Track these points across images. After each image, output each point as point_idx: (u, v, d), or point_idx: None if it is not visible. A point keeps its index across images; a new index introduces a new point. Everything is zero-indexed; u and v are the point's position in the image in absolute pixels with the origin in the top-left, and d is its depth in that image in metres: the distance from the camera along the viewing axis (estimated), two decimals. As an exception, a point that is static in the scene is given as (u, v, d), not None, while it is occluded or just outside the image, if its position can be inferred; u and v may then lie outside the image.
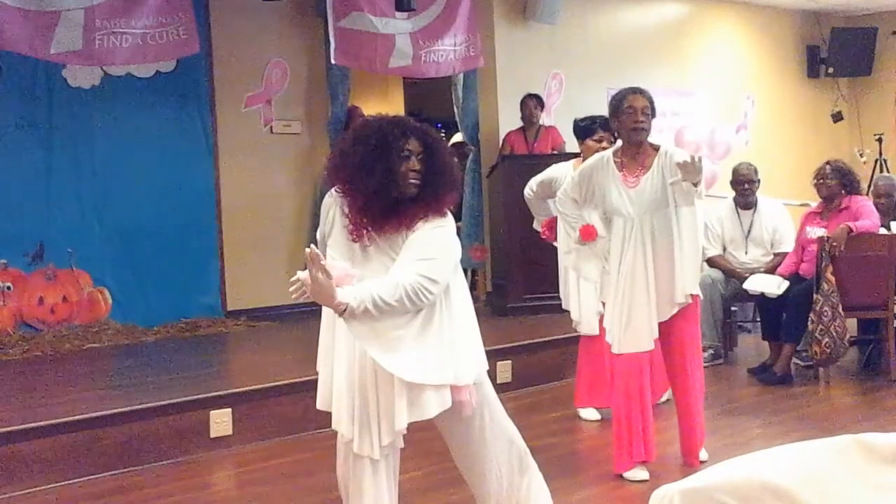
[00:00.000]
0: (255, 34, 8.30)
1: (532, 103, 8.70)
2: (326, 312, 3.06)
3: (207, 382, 5.59)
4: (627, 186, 4.28)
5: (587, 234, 4.40)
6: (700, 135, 10.62)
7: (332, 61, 7.98)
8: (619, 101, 4.33)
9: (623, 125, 4.30)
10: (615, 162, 4.34)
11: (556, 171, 5.56)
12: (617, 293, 4.28)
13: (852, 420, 5.32)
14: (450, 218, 3.05)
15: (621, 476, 4.37)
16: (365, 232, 2.96)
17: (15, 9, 6.45)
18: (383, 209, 2.92)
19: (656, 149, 4.35)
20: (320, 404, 3.11)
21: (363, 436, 2.96)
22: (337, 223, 3.04)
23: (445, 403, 2.94)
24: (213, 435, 5.06)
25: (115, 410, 4.89)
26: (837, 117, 11.77)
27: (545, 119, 8.92)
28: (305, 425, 5.26)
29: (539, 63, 9.25)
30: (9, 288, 7.14)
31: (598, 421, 5.46)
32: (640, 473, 4.35)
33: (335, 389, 3.03)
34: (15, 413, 4.91)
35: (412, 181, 2.92)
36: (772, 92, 11.43)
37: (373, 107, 9.18)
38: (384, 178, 2.89)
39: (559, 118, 9.17)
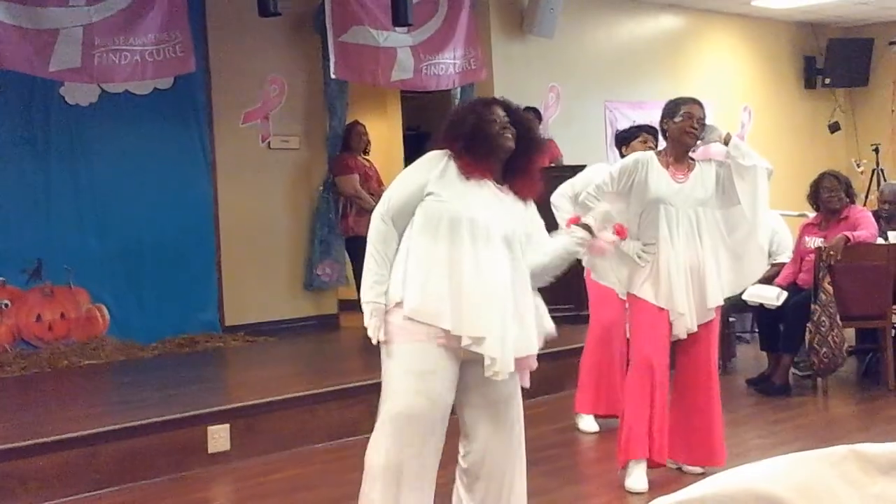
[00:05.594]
0: (253, 50, 8.31)
1: (529, 117, 8.71)
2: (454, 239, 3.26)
3: (205, 398, 5.57)
4: (676, 181, 4.42)
5: (620, 232, 4.42)
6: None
7: (333, 76, 8.00)
8: (677, 106, 4.49)
9: (676, 127, 4.45)
10: (660, 160, 4.47)
11: (589, 173, 5.58)
12: (667, 280, 4.32)
13: (850, 430, 5.32)
14: None
15: (623, 486, 4.36)
16: (477, 171, 3.29)
17: (13, 27, 6.46)
18: (487, 151, 3.32)
19: (692, 159, 4.54)
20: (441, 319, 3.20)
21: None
22: (451, 171, 3.32)
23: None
24: (210, 450, 5.04)
25: (113, 427, 4.88)
26: (834, 128, 11.80)
27: (542, 132, 8.93)
28: (304, 440, 5.26)
29: (536, 76, 9.27)
30: (6, 305, 7.13)
31: (596, 433, 5.45)
32: (640, 480, 4.34)
33: (483, 309, 3.19)
34: (12, 430, 4.90)
35: (507, 135, 3.34)
36: (769, 103, 11.45)
37: (371, 121, 9.18)
38: (475, 125, 3.32)
39: (557, 131, 9.19)
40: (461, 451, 3.40)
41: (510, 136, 3.35)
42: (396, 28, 8.04)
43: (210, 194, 8.09)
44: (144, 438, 4.89)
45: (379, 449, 3.24)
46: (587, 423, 5.53)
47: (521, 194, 3.40)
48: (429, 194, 3.28)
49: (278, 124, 8.52)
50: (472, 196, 3.27)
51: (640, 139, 5.44)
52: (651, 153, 4.56)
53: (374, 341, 3.27)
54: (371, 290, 3.28)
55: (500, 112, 3.39)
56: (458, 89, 8.83)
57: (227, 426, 5.10)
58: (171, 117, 7.84)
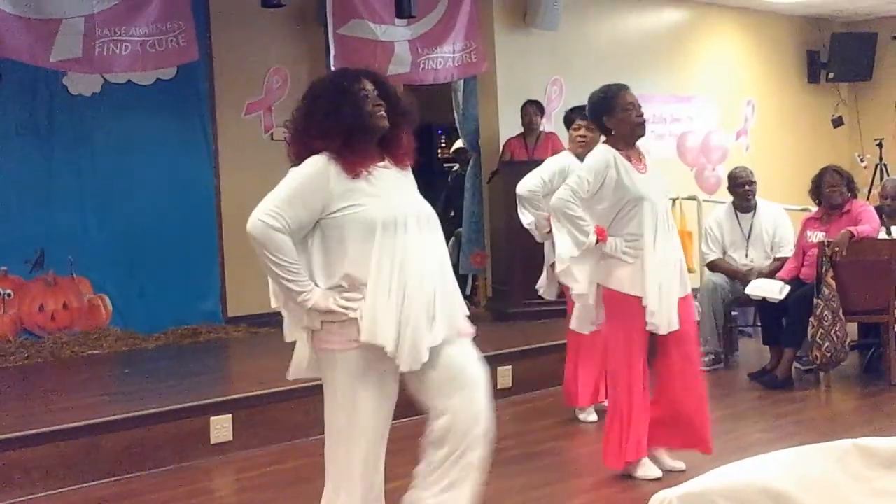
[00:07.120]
0: (256, 41, 8.30)
1: (532, 109, 8.70)
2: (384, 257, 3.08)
3: (207, 388, 5.59)
4: (640, 173, 4.37)
5: (603, 234, 4.40)
6: (700, 141, 10.63)
7: (332, 68, 7.99)
8: (614, 98, 4.37)
9: (625, 122, 4.35)
10: (623, 155, 4.39)
11: (558, 163, 5.53)
12: (655, 277, 4.27)
13: (852, 424, 5.32)
14: None
15: (630, 476, 4.36)
16: (361, 166, 3.11)
17: (15, 16, 6.45)
18: (366, 142, 3.14)
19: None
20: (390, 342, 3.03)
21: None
22: (342, 175, 3.10)
23: None
24: (213, 441, 5.06)
25: (115, 417, 4.90)
26: (838, 122, 11.76)
27: (545, 125, 8.91)
28: (306, 431, 5.25)
29: (539, 69, 9.25)
30: (9, 295, 7.14)
31: (595, 423, 5.46)
32: (651, 470, 4.35)
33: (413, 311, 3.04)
34: (15, 420, 4.91)
35: (381, 114, 3.16)
36: (772, 97, 11.43)
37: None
38: (354, 117, 3.12)
39: (559, 124, 9.15)
40: (429, 427, 3.19)
41: (383, 114, 3.17)
42: (395, 21, 8.03)
43: (213, 185, 8.10)
44: (147, 429, 4.90)
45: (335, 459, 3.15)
46: (587, 413, 5.55)
47: (403, 164, 3.25)
48: (334, 212, 3.08)
49: (281, 115, 8.49)
50: (375, 191, 3.10)
51: (573, 126, 5.48)
52: (613, 151, 4.38)
53: (354, 314, 3.06)
54: (308, 291, 3.15)
55: (370, 86, 3.19)
56: (461, 81, 8.82)
57: (229, 416, 5.12)
58: (174, 108, 7.84)
